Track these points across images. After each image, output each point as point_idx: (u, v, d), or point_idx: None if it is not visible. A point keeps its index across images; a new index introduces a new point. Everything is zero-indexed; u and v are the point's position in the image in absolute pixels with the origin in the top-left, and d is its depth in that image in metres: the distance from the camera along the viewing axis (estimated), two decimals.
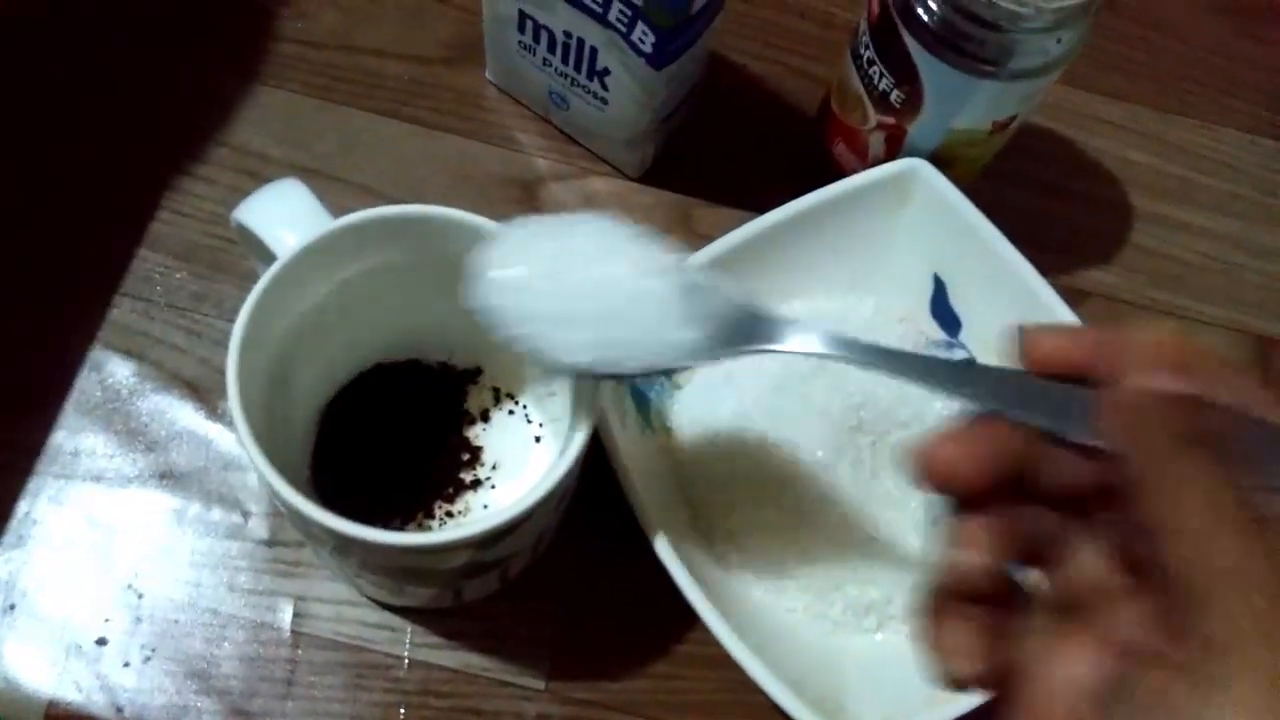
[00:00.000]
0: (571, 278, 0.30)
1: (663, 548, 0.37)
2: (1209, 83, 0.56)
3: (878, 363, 0.28)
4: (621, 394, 0.42)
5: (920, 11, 0.40)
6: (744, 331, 0.30)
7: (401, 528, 0.41)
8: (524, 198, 0.50)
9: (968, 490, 0.25)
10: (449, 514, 0.42)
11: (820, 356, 0.29)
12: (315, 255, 0.35)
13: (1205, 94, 0.56)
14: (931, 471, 0.25)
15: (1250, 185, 0.54)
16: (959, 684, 0.25)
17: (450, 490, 0.42)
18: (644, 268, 0.30)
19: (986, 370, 0.26)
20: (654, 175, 0.51)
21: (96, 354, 0.45)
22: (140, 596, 0.41)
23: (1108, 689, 0.23)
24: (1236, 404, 0.23)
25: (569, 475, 0.33)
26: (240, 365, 0.32)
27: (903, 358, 0.27)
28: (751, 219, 0.44)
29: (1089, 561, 0.26)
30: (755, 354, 0.30)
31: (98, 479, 0.42)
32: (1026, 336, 0.26)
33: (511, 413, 0.44)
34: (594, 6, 0.42)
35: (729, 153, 0.52)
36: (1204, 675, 0.21)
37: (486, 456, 0.43)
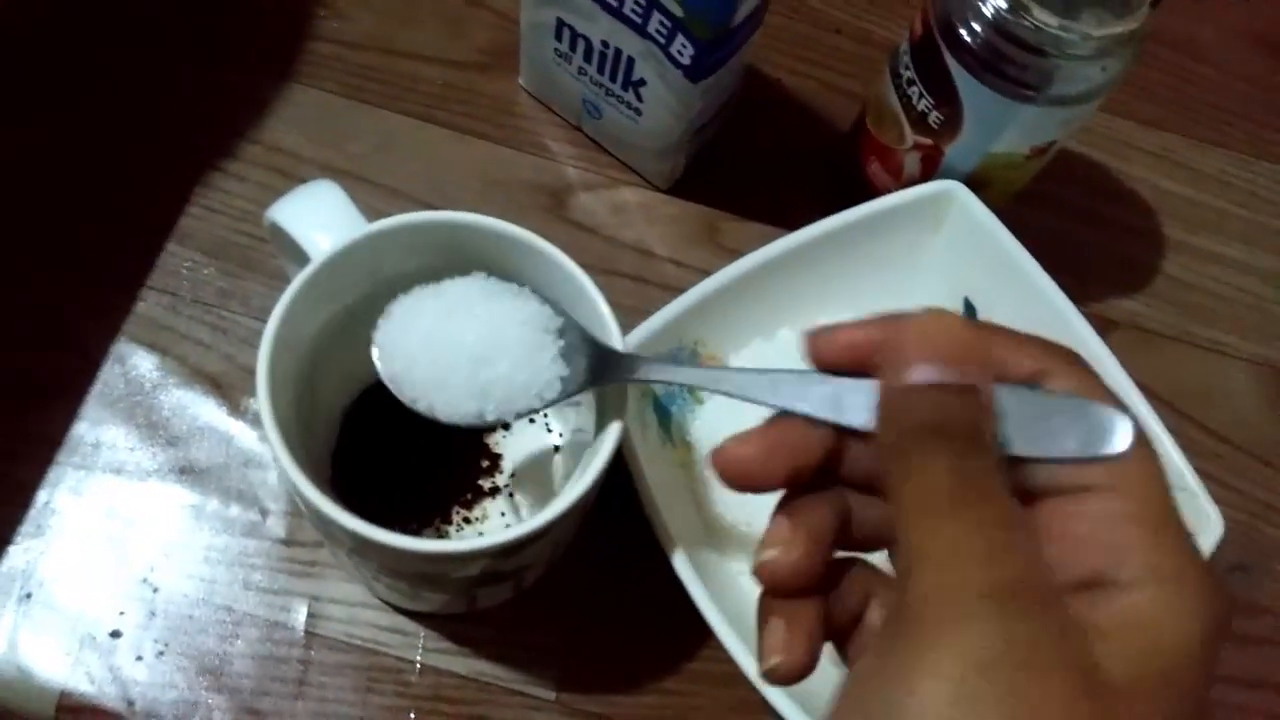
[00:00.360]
0: (449, 337, 0.32)
1: (681, 564, 0.37)
2: (1246, 115, 0.56)
3: (692, 383, 0.31)
4: (644, 407, 0.41)
5: (964, 33, 0.40)
6: (606, 366, 0.32)
7: (419, 532, 0.41)
8: (553, 205, 0.50)
9: (765, 487, 0.27)
10: (466, 520, 0.41)
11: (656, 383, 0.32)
12: (349, 258, 0.35)
13: (1242, 126, 0.55)
14: (726, 473, 0.26)
15: None
16: (770, 677, 0.26)
17: (468, 496, 0.42)
18: (515, 317, 0.32)
19: (775, 373, 0.27)
20: (683, 187, 0.51)
21: (121, 347, 0.45)
22: (155, 590, 0.41)
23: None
24: (985, 380, 0.24)
25: (592, 489, 0.33)
26: (271, 365, 0.32)
27: (709, 375, 0.30)
28: (778, 234, 0.44)
29: None
30: (617, 384, 0.33)
31: (117, 471, 0.42)
32: (811, 338, 0.27)
33: (532, 421, 0.43)
34: (634, 17, 0.42)
35: (759, 167, 0.52)
36: (901, 651, 0.21)
37: (505, 464, 0.43)
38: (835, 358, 0.26)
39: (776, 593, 0.26)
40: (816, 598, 0.26)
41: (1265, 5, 0.59)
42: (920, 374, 0.24)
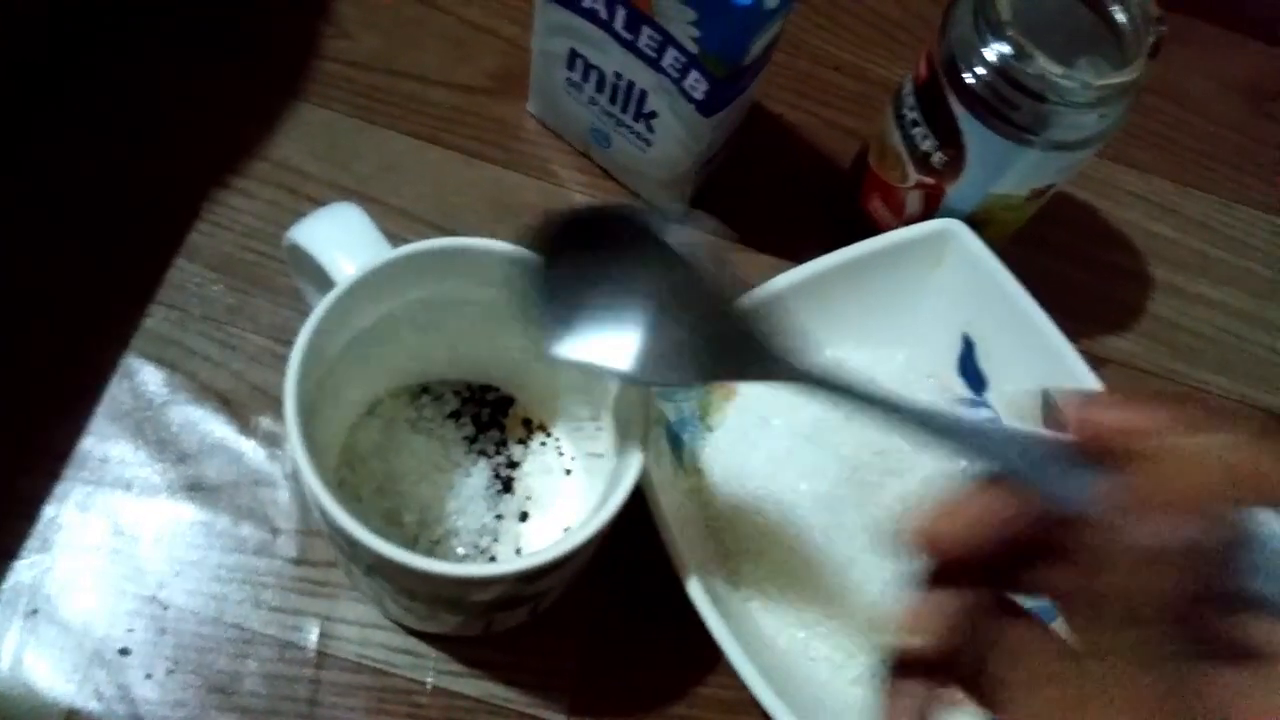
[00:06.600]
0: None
1: (695, 591, 0.38)
2: (1227, 160, 0.58)
3: (902, 420, 0.27)
4: (657, 435, 0.42)
5: (968, 77, 0.41)
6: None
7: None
8: None
9: (957, 565, 0.26)
10: (476, 544, 0.42)
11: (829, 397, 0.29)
12: (375, 281, 0.35)
13: (1223, 171, 0.58)
14: (932, 548, 0.26)
15: (1262, 262, 0.56)
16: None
17: (482, 520, 0.42)
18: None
19: (1001, 430, 0.26)
20: None
21: (129, 361, 0.45)
22: (165, 608, 0.41)
23: None
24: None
25: (615, 517, 0.33)
26: (299, 386, 0.33)
27: (922, 414, 0.27)
28: (782, 265, 0.45)
29: None
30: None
31: (126, 487, 0.42)
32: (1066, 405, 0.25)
33: (544, 444, 0.44)
34: (649, 52, 0.43)
35: (762, 199, 0.53)
36: None
37: (518, 487, 0.43)
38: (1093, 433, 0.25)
39: (913, 665, 0.27)
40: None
41: (1248, 56, 0.61)
42: None
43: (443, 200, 0.50)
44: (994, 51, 0.41)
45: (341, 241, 0.36)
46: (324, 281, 0.36)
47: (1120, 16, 0.42)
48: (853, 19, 0.59)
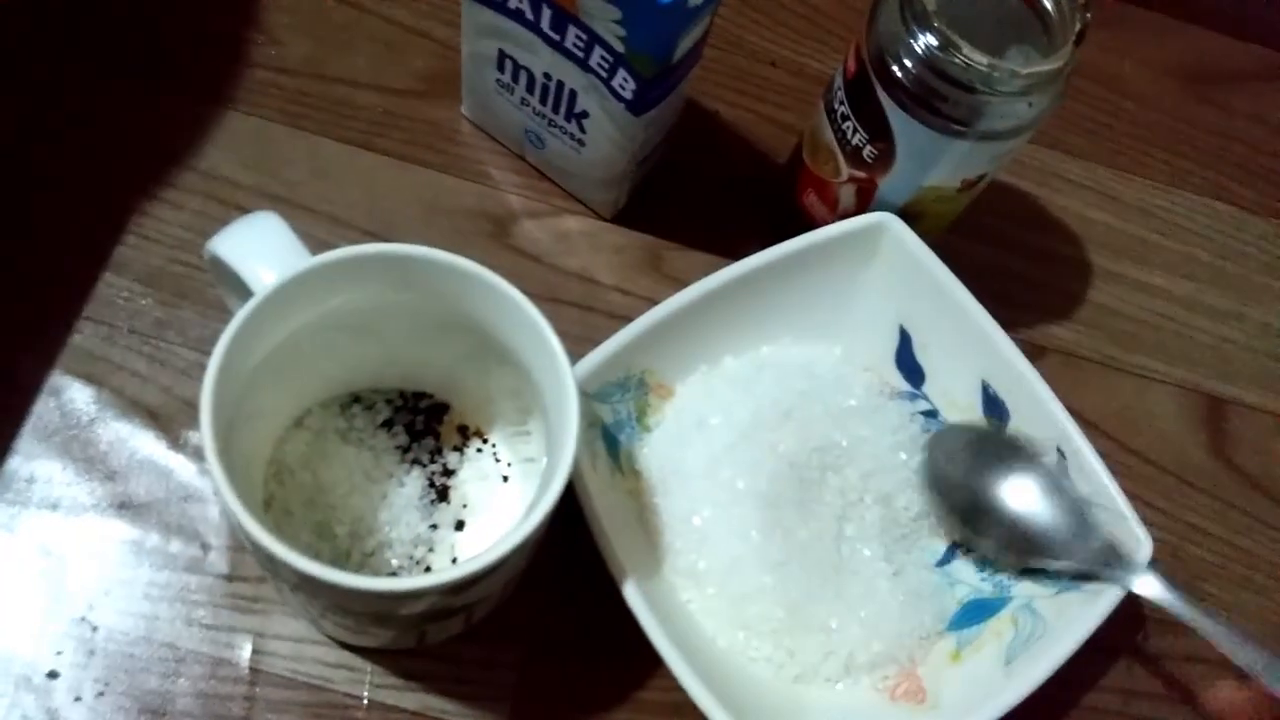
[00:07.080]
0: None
1: (632, 595, 0.37)
2: (1167, 146, 0.58)
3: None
4: (593, 436, 0.42)
5: (896, 70, 0.41)
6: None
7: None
8: (497, 233, 0.50)
9: None
10: (411, 555, 0.41)
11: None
12: (293, 291, 0.34)
13: (1163, 157, 0.58)
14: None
15: (1203, 248, 0.56)
16: None
17: (416, 529, 0.41)
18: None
19: None
20: (626, 216, 0.51)
21: (56, 379, 0.44)
22: (94, 629, 0.40)
23: None
24: None
25: (544, 524, 0.33)
26: (215, 401, 0.32)
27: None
28: (720, 263, 0.45)
29: None
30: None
31: (53, 507, 0.42)
32: None
33: (480, 450, 0.43)
34: (576, 51, 0.43)
35: (700, 197, 0.52)
36: None
37: (454, 495, 0.43)
38: None
39: None
40: None
41: (1184, 41, 0.62)
42: None
43: (376, 206, 0.50)
44: (921, 43, 0.40)
45: (260, 251, 0.36)
46: (245, 292, 0.35)
47: (1047, 3, 0.42)
48: (788, 14, 0.58)
